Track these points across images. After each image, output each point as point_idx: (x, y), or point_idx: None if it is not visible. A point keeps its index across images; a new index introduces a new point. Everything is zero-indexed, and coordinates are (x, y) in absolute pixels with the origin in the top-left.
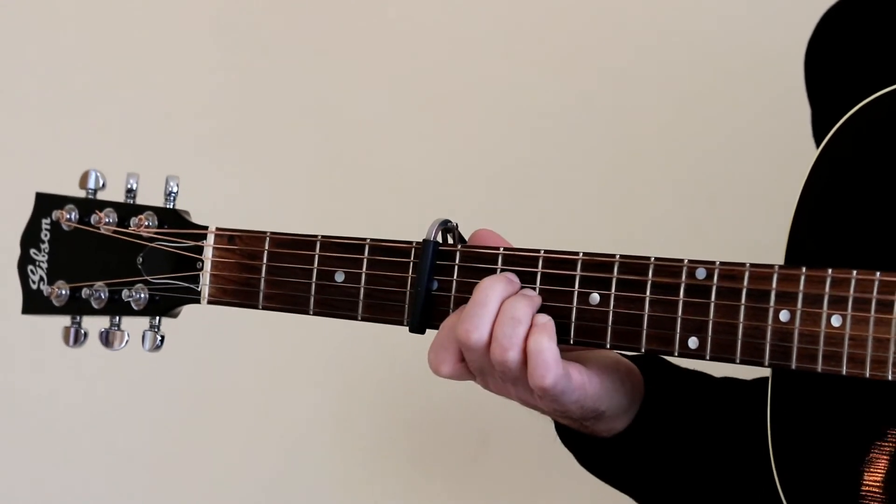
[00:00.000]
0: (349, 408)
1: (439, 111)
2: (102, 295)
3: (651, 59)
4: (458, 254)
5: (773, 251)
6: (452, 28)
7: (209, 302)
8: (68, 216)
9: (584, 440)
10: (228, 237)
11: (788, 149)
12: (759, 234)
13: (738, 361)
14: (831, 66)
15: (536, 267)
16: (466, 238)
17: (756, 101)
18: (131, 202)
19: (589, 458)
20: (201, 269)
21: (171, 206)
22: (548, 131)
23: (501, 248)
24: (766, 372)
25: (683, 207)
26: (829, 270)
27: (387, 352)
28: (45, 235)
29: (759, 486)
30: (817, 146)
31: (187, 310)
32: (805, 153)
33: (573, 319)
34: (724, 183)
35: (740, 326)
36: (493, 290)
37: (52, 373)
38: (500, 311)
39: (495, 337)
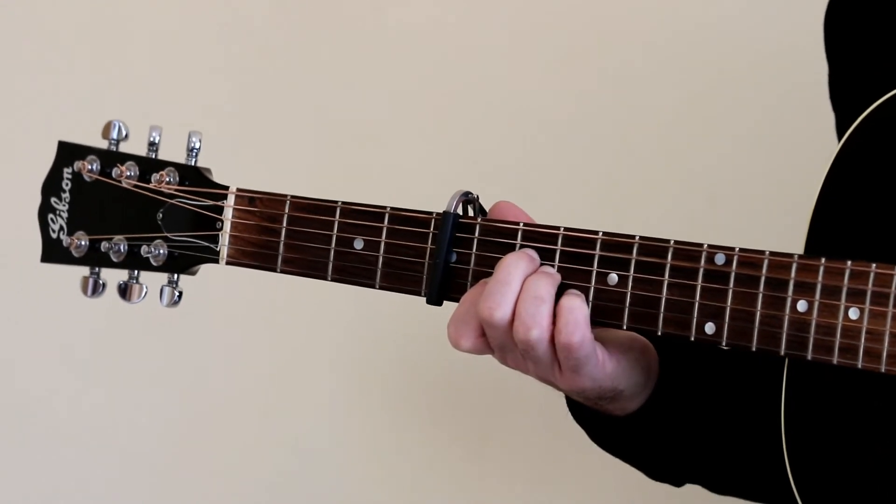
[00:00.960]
0: (353, 402)
1: (440, 111)
2: (122, 248)
3: (652, 57)
4: (477, 227)
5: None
6: (452, 28)
7: (227, 262)
8: (90, 167)
9: (596, 417)
10: (249, 198)
11: (789, 148)
12: (758, 234)
13: (754, 349)
14: (852, 25)
15: (556, 244)
16: (477, 196)
17: (756, 101)
18: (153, 156)
19: (600, 434)
20: (220, 228)
21: (193, 163)
22: (547, 131)
23: (521, 224)
24: None
25: (683, 207)
26: (849, 262)
27: (391, 347)
28: (67, 185)
29: (771, 463)
30: (834, 108)
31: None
32: (806, 152)
33: (590, 299)
34: (723, 182)
35: (757, 314)
36: (517, 267)
37: (52, 373)
38: (522, 289)
39: (518, 315)
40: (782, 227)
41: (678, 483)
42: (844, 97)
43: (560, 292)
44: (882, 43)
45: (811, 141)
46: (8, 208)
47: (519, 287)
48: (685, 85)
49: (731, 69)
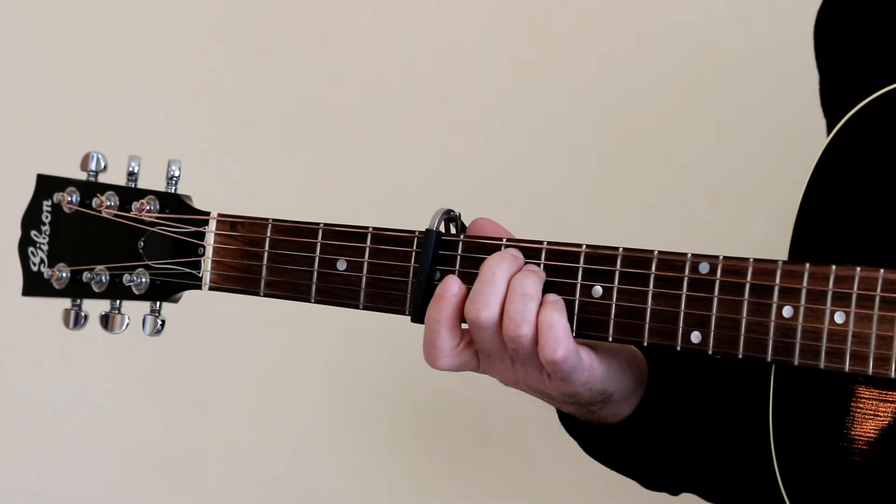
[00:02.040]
0: (350, 402)
1: (437, 109)
2: (103, 279)
3: (650, 55)
4: (460, 244)
5: (771, 250)
6: (450, 27)
7: (210, 288)
8: (69, 198)
9: (587, 427)
10: (230, 223)
11: (786, 147)
12: (758, 234)
13: (740, 357)
14: (841, 33)
15: (539, 258)
16: (459, 213)
17: (756, 100)
18: (133, 185)
19: (593, 445)
20: (203, 254)
21: (173, 191)
22: (545, 129)
23: (504, 239)
24: None
25: (681, 206)
26: (833, 267)
27: (386, 347)
28: (46, 217)
29: (763, 471)
30: (825, 114)
31: (186, 305)
32: (802, 151)
33: (576, 312)
34: (721, 181)
35: (743, 322)
36: (500, 267)
37: (52, 373)
38: (509, 287)
39: (507, 313)
40: (785, 229)
41: (675, 492)
42: (835, 105)
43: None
44: (871, 51)
45: (815, 143)
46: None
47: (505, 286)
48: (685, 85)
49: (732, 68)
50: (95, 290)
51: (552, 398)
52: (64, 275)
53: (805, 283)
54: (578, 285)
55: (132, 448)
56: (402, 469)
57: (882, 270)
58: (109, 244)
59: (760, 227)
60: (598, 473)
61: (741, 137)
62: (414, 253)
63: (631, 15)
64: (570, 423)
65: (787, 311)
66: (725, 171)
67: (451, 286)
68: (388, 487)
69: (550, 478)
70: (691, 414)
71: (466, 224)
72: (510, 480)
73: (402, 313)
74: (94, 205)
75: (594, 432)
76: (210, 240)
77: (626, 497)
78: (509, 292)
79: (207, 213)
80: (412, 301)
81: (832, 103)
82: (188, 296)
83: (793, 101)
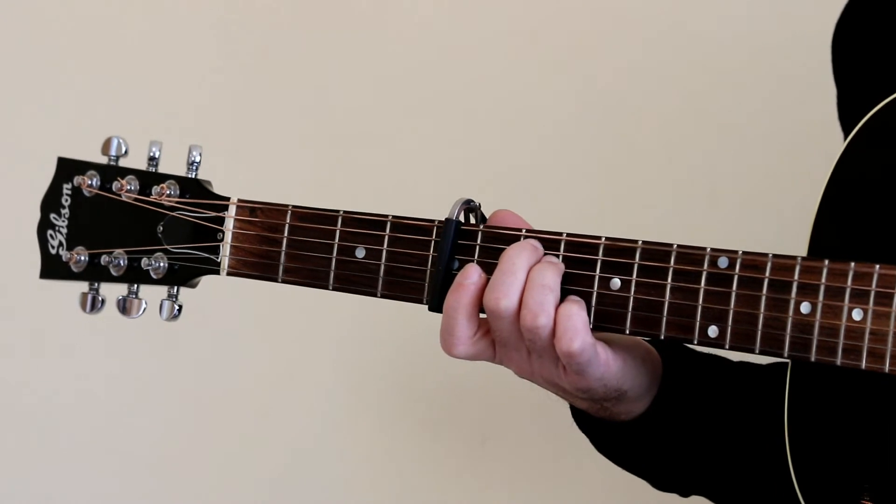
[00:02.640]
0: (351, 403)
1: (440, 109)
2: (121, 262)
3: (652, 56)
4: (479, 234)
5: (776, 250)
6: (453, 26)
7: (228, 273)
8: (90, 182)
9: (600, 424)
10: (250, 209)
11: (791, 146)
12: (758, 234)
13: (757, 352)
14: (859, 46)
15: (558, 250)
16: (479, 204)
17: (757, 99)
18: (153, 170)
19: (605, 442)
20: (221, 240)
21: (194, 176)
22: (547, 130)
23: (524, 230)
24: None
25: (684, 207)
26: (852, 264)
27: (390, 348)
28: (66, 200)
29: (774, 470)
30: (843, 128)
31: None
32: (811, 154)
33: (593, 304)
34: (725, 182)
35: (761, 317)
36: (521, 257)
37: (52, 374)
38: (528, 278)
39: (525, 303)
40: (786, 229)
41: (685, 493)
42: (853, 116)
43: (563, 292)
44: (890, 65)
45: (815, 143)
46: (7, 210)
47: (524, 276)
48: (686, 85)
49: (734, 69)
50: (113, 273)
51: (566, 392)
52: (82, 258)
53: (823, 280)
54: (597, 277)
55: (131, 449)
56: (402, 469)
57: None
58: (128, 228)
59: (765, 229)
60: (599, 474)
61: (747, 138)
62: (433, 242)
63: (633, 18)
64: (583, 419)
65: (804, 308)
66: (734, 171)
67: (471, 274)
68: (388, 487)
69: (551, 478)
70: (704, 414)
71: (486, 216)
72: (511, 480)
73: (420, 302)
74: (114, 188)
75: (606, 429)
76: (229, 225)
77: (626, 497)
78: (528, 283)
79: (227, 199)
80: (430, 290)
81: (850, 116)
82: (203, 280)
83: (799, 103)
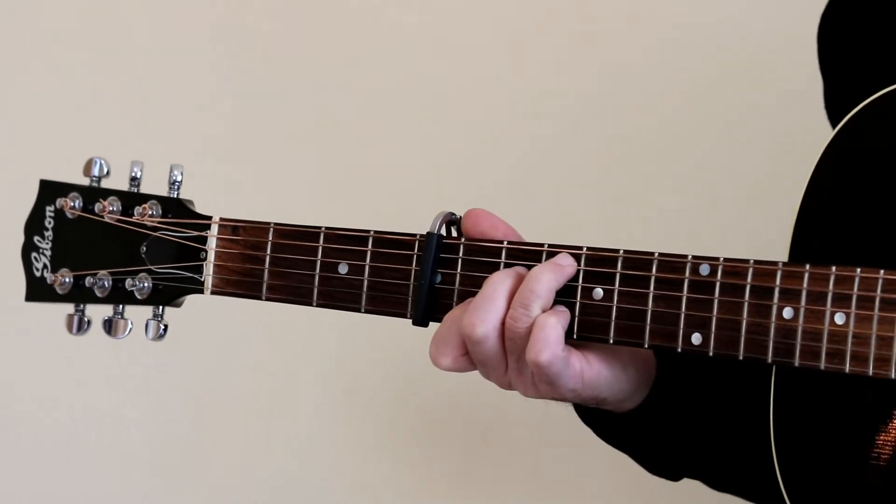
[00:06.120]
0: (351, 405)
1: (439, 109)
2: (106, 283)
3: (652, 56)
4: (461, 247)
5: (772, 251)
6: (452, 27)
7: (212, 292)
8: (72, 204)
9: (599, 415)
10: (232, 228)
11: (787, 148)
12: (759, 234)
13: (741, 358)
14: (844, 39)
15: (540, 261)
16: (460, 216)
17: (756, 100)
18: (135, 191)
19: (606, 432)
20: (205, 259)
21: (175, 196)
22: (547, 130)
23: (505, 242)
24: None
25: (683, 207)
26: (833, 268)
27: (389, 347)
28: (49, 223)
29: (767, 464)
30: (830, 119)
31: (188, 308)
32: (804, 153)
33: (576, 314)
34: (723, 182)
35: (743, 323)
36: (502, 284)
37: (52, 375)
38: (524, 280)
39: (512, 305)
40: (786, 229)
41: (675, 478)
42: (839, 109)
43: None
44: (875, 55)
45: (815, 143)
46: (7, 210)
47: (504, 304)
48: (684, 86)
49: (733, 67)
50: (98, 295)
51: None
52: (67, 280)
53: (805, 285)
54: (579, 288)
55: (131, 450)
56: (402, 469)
57: (882, 271)
58: (112, 249)
59: (763, 230)
60: (598, 474)
61: (743, 140)
62: (415, 256)
63: (634, 18)
64: (583, 409)
65: (787, 313)
66: (727, 173)
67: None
68: (388, 488)
69: (551, 478)
70: (697, 408)
71: None
72: (511, 481)
73: (404, 316)
74: (96, 210)
75: (599, 417)
76: (212, 244)
77: (626, 497)
78: (521, 284)
79: (209, 218)
80: (414, 304)
81: (837, 108)
82: (190, 300)
83: (796, 104)
